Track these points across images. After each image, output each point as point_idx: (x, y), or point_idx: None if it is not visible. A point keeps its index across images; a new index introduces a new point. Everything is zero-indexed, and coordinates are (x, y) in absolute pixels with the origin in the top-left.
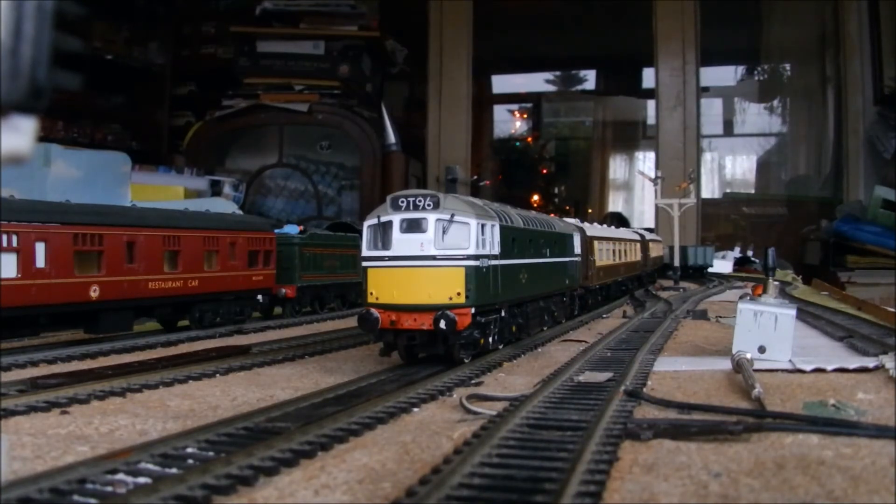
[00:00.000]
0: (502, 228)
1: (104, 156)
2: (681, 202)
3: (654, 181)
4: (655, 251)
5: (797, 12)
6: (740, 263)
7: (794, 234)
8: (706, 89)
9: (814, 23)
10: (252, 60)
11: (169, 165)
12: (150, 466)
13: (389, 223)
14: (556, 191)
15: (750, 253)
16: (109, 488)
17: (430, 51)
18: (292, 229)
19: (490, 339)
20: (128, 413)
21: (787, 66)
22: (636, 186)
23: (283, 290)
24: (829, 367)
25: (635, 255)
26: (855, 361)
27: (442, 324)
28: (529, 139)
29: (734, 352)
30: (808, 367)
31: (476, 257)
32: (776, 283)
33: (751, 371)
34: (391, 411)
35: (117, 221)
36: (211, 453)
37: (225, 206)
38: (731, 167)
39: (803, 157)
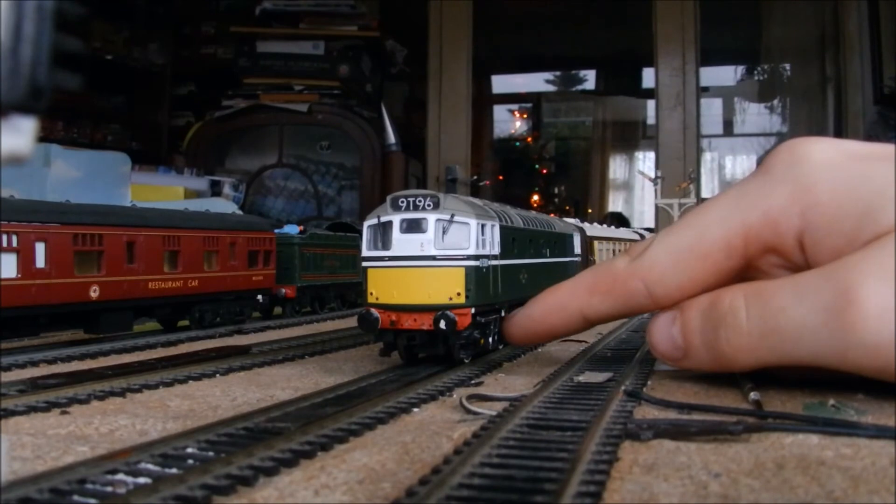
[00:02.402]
0: (502, 228)
1: (104, 156)
2: (681, 202)
3: (654, 181)
4: None
5: (797, 12)
6: None
7: None
8: (706, 89)
9: (814, 23)
10: (252, 61)
11: (169, 166)
12: (150, 467)
13: (389, 223)
14: (556, 191)
15: None
16: (109, 488)
17: (430, 51)
18: (292, 229)
19: (490, 340)
20: (128, 413)
21: (787, 67)
22: (636, 186)
23: (283, 290)
24: None
25: None
26: None
27: (442, 324)
28: (529, 139)
29: None
30: None
31: (476, 257)
32: None
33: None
34: (391, 411)
35: (117, 221)
36: (211, 453)
37: (225, 206)
38: (731, 167)
39: None
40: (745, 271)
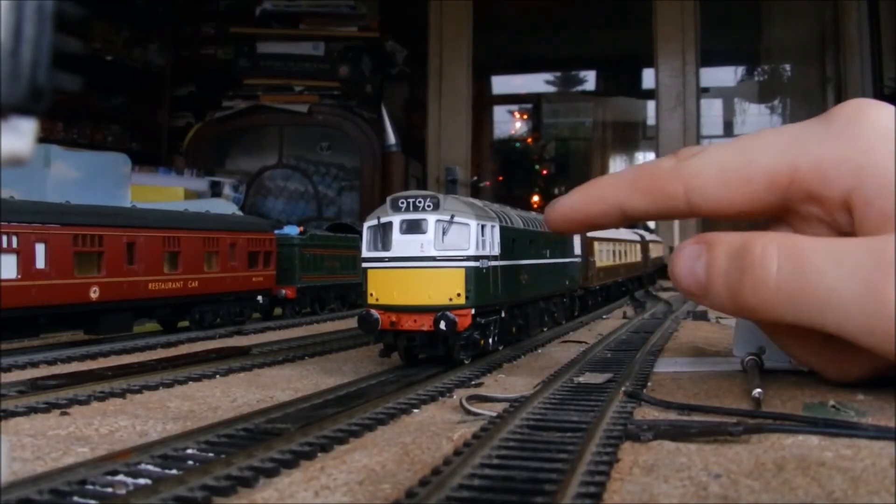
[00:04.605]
0: (502, 229)
1: (104, 157)
2: None
3: None
4: (655, 252)
5: (797, 13)
6: None
7: None
8: (706, 90)
9: (814, 23)
10: (252, 61)
11: (169, 166)
12: (150, 467)
13: (389, 224)
14: (557, 191)
15: None
16: (109, 489)
17: (430, 51)
18: (292, 230)
19: (490, 340)
20: (128, 414)
21: (787, 67)
22: None
23: (283, 291)
24: None
25: (635, 255)
26: None
27: (442, 325)
28: (529, 140)
29: (735, 352)
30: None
31: (476, 258)
32: None
33: (756, 373)
34: (391, 412)
35: (117, 222)
36: (211, 454)
37: (225, 207)
38: None
39: None
40: (782, 211)
